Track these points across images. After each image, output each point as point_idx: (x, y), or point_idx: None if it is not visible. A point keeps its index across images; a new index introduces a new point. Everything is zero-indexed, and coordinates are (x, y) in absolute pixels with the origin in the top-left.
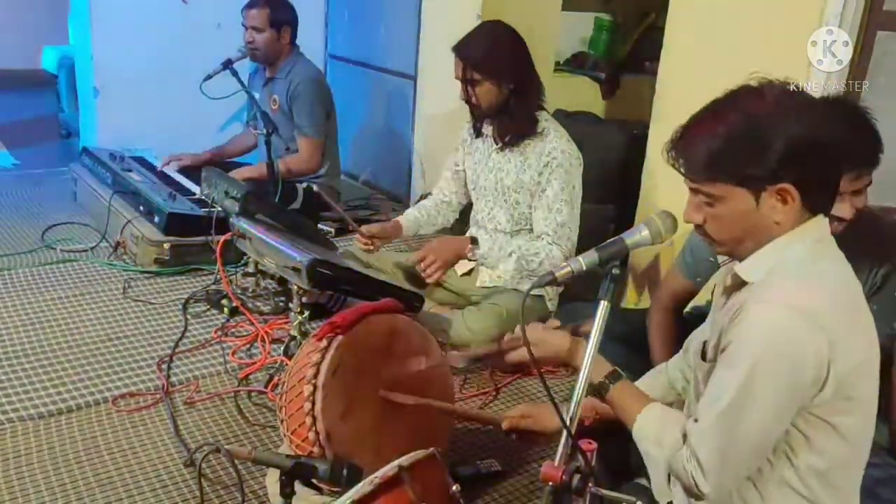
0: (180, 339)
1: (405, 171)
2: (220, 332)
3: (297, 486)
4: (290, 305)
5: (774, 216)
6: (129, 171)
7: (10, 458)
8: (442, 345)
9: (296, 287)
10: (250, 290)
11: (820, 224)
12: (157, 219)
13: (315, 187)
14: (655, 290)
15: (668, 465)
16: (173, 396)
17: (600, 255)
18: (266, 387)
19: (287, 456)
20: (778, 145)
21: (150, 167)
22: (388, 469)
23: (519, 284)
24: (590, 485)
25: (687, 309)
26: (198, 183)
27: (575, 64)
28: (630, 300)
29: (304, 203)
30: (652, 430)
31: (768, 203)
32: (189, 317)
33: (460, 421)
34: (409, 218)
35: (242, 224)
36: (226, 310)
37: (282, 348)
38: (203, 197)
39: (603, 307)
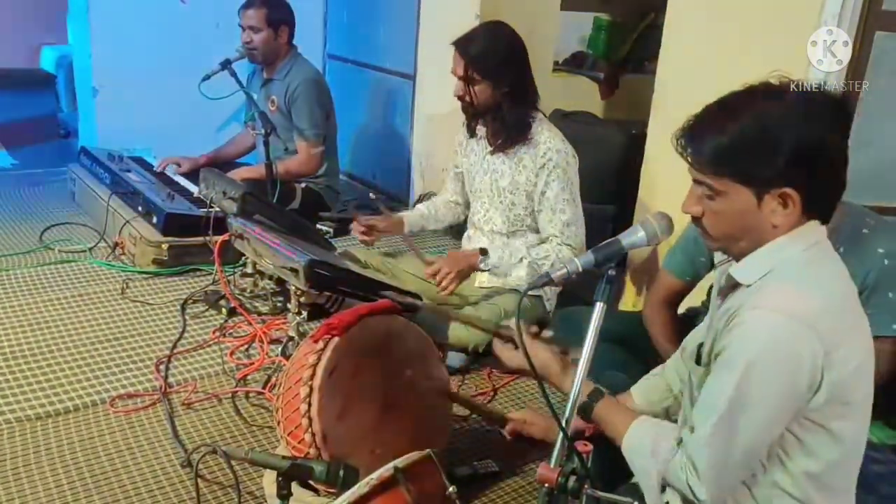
0: (178, 339)
1: (404, 171)
2: (218, 333)
3: (294, 487)
4: (289, 306)
5: (773, 219)
6: (128, 171)
7: (7, 458)
8: (440, 345)
9: (294, 288)
10: (248, 290)
11: (816, 227)
12: (155, 219)
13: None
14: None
15: (661, 476)
16: (171, 397)
17: (597, 257)
18: (264, 387)
19: (283, 457)
20: (787, 149)
21: (149, 167)
22: (384, 470)
23: (517, 285)
24: (586, 486)
25: (682, 310)
26: (196, 183)
27: (574, 63)
28: (628, 302)
29: (302, 203)
30: (645, 443)
31: (769, 205)
32: (187, 317)
33: (471, 412)
34: (416, 213)
35: (240, 224)
36: (224, 310)
37: (280, 349)
38: (201, 197)
39: (599, 308)
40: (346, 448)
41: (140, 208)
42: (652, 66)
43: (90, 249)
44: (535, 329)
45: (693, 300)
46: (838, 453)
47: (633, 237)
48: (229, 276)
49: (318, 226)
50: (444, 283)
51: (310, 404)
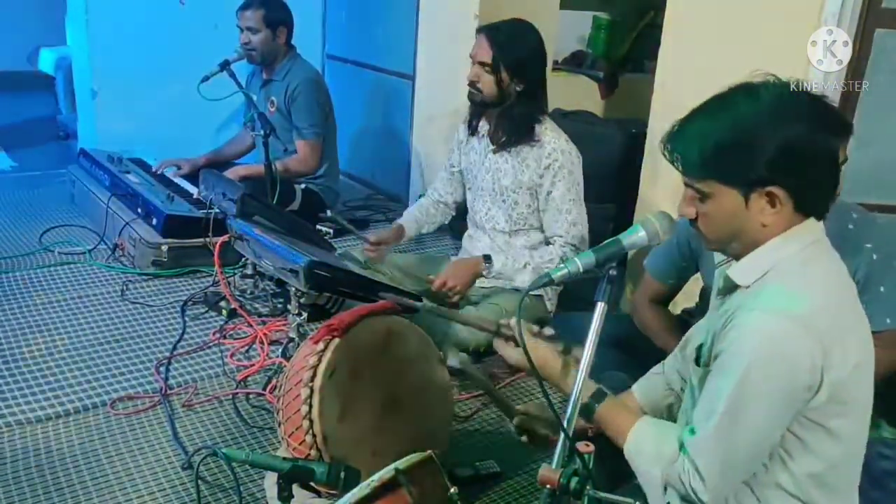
0: (178, 341)
1: (403, 171)
2: (218, 335)
3: (295, 489)
4: (289, 307)
5: (762, 218)
6: (127, 172)
7: (7, 461)
8: (440, 346)
9: (294, 289)
10: (248, 291)
11: (813, 226)
12: (155, 221)
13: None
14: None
15: (664, 478)
16: (171, 399)
17: (597, 257)
18: (264, 389)
19: (284, 459)
20: (768, 149)
21: (148, 169)
22: (386, 472)
23: (518, 284)
24: (588, 487)
25: (677, 311)
26: (196, 184)
27: (573, 63)
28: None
29: (302, 204)
30: (648, 445)
31: (757, 205)
32: (187, 319)
33: (484, 391)
34: (409, 219)
35: (240, 226)
36: (224, 312)
37: (280, 350)
38: (201, 198)
39: (600, 309)
40: (347, 449)
41: (139, 210)
42: (652, 65)
43: (90, 251)
44: (535, 328)
45: (688, 302)
46: (839, 452)
47: (633, 237)
48: (229, 277)
49: (318, 226)
50: (451, 297)
51: (311, 406)
